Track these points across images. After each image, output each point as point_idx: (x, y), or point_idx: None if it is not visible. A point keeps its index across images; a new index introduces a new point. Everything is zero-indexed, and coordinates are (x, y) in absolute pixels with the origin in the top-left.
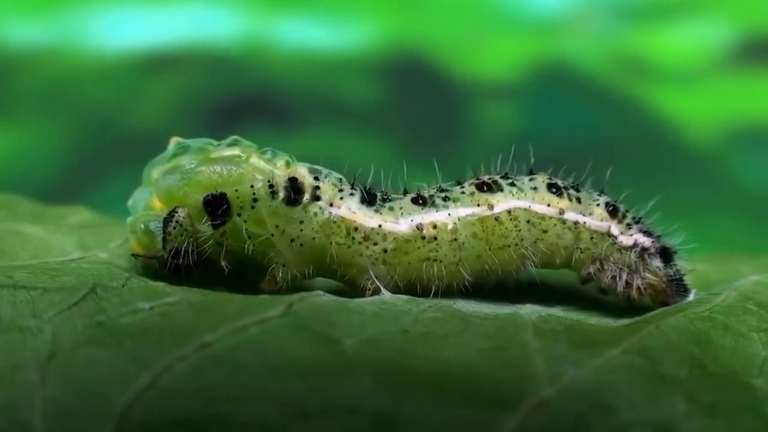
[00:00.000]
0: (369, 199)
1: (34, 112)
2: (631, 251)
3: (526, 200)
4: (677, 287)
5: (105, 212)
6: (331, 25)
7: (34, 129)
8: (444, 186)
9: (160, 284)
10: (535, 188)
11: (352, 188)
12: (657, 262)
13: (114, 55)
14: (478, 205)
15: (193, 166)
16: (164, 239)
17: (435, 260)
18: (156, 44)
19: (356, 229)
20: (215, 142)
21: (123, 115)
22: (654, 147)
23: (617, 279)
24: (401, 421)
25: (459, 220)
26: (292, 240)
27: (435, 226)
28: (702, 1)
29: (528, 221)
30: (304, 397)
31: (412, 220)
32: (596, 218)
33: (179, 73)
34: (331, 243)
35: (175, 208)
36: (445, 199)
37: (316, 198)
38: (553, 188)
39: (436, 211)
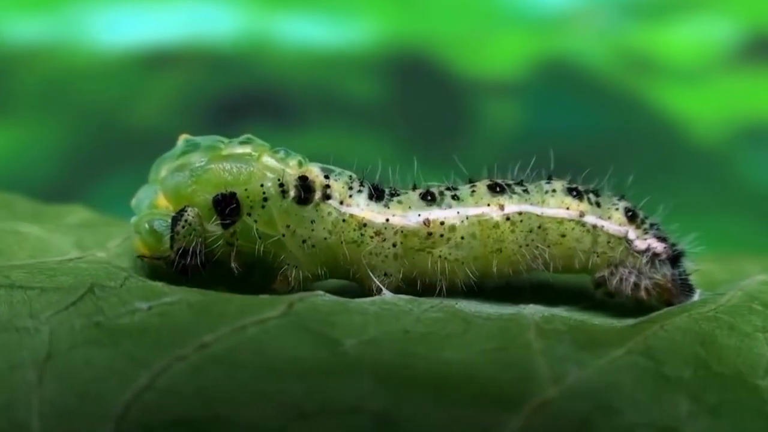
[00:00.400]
0: (377, 195)
1: (33, 110)
2: (642, 255)
3: (539, 205)
4: (682, 287)
5: (105, 211)
6: (332, 22)
7: (33, 127)
8: (455, 185)
9: (159, 284)
10: (553, 191)
11: (361, 185)
12: (666, 268)
13: (114, 52)
14: (488, 206)
15: (202, 163)
16: (172, 238)
17: (440, 257)
18: (156, 41)
19: (365, 225)
20: (226, 140)
21: (123, 114)
22: (658, 145)
23: (625, 281)
24: (402, 422)
25: (467, 218)
26: (304, 241)
27: (443, 223)
28: None
29: (539, 226)
30: (304, 397)
31: (419, 215)
32: (615, 223)
33: (179, 71)
34: (342, 242)
35: (185, 207)
36: (454, 197)
37: (326, 197)
38: (573, 192)
39: (445, 208)
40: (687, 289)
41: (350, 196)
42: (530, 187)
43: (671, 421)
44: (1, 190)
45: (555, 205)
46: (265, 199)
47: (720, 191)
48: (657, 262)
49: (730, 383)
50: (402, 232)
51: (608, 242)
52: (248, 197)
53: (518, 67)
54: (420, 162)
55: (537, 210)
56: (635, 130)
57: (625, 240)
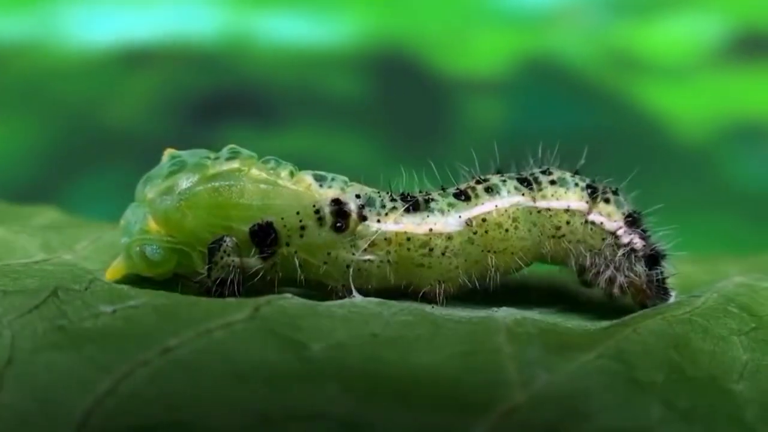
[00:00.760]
0: (413, 206)
1: (8, 109)
2: (621, 249)
3: (565, 199)
4: (658, 289)
5: (79, 211)
6: (313, 20)
7: (8, 126)
8: (484, 177)
9: (124, 287)
10: (576, 185)
11: (392, 199)
12: (641, 266)
13: (90, 50)
14: (523, 195)
15: (190, 185)
16: (210, 268)
17: (489, 251)
18: (134, 40)
19: (409, 239)
20: (213, 155)
21: (100, 113)
22: (644, 144)
23: (601, 274)
24: (368, 428)
25: (506, 210)
26: (348, 266)
27: (484, 219)
28: None
29: (568, 222)
30: (269, 403)
31: (460, 217)
32: (612, 220)
33: (158, 70)
34: (389, 261)
35: (223, 236)
36: (487, 190)
37: (363, 218)
38: (589, 189)
39: (482, 203)
40: (662, 291)
41: (386, 213)
42: (558, 180)
43: (642, 426)
44: None
45: (576, 198)
46: (303, 228)
47: (706, 190)
48: (633, 257)
49: (703, 388)
50: (447, 237)
51: (603, 239)
52: (285, 226)
53: (502, 66)
54: (404, 162)
55: (563, 205)
56: (621, 129)
57: (613, 235)
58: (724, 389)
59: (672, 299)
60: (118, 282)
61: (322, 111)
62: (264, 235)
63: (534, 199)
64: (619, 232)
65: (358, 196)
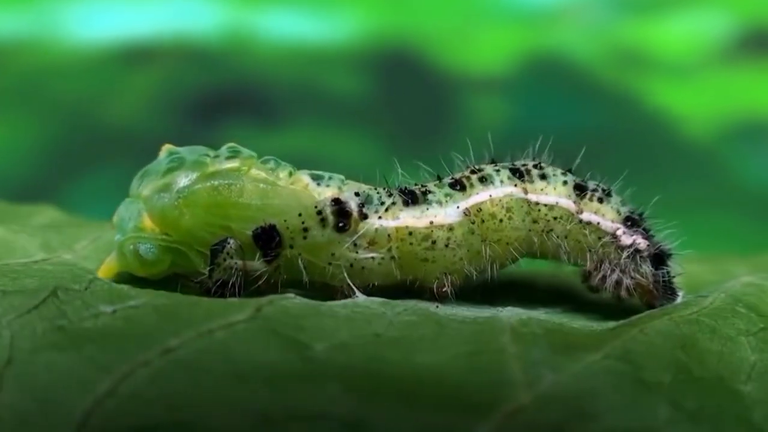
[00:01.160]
0: (411, 199)
1: (6, 107)
2: (625, 251)
3: (554, 195)
4: (665, 289)
5: (79, 211)
6: (315, 17)
7: (6, 125)
8: (479, 167)
9: (124, 287)
10: (564, 183)
11: (389, 194)
12: (647, 266)
13: (89, 47)
14: (515, 186)
15: (189, 183)
16: (212, 270)
17: (485, 240)
18: (134, 36)
19: (411, 234)
20: (212, 152)
21: (99, 111)
22: (650, 142)
23: (608, 278)
24: (370, 429)
25: (500, 200)
26: (351, 265)
27: (479, 209)
28: None
29: (555, 218)
30: (270, 403)
31: (458, 207)
32: (608, 220)
33: (158, 67)
34: (393, 258)
35: (226, 238)
36: (481, 179)
37: (364, 216)
38: (577, 188)
39: (477, 193)
40: (669, 291)
41: (386, 209)
42: (547, 171)
43: (649, 427)
44: None
45: (564, 195)
46: (306, 230)
47: (712, 189)
48: (638, 258)
49: (711, 388)
50: (449, 228)
51: (599, 238)
52: (288, 228)
53: (506, 63)
54: (405, 159)
55: (551, 200)
56: (626, 127)
57: (612, 236)
58: (732, 390)
59: (679, 299)
60: (118, 282)
61: (323, 109)
62: (268, 238)
63: (525, 191)
64: (619, 233)
65: (357, 194)
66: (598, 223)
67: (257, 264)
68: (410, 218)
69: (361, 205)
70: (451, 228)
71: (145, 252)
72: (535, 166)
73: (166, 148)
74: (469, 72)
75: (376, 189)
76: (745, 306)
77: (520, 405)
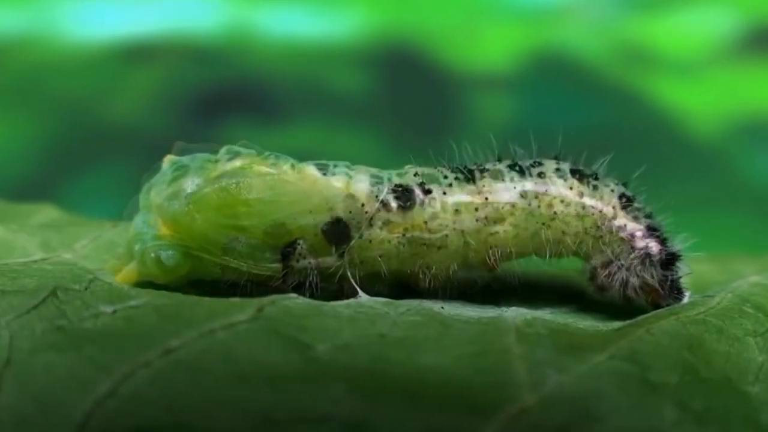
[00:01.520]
0: (471, 177)
1: (6, 105)
2: (635, 251)
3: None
4: (671, 289)
5: (79, 209)
6: (318, 13)
7: (6, 123)
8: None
9: (125, 287)
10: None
11: (451, 171)
12: (656, 269)
13: (89, 45)
14: (571, 189)
15: (196, 188)
16: (286, 273)
17: (544, 225)
18: (134, 34)
19: (476, 209)
20: (213, 157)
21: (99, 109)
22: (655, 140)
23: (614, 277)
24: (374, 430)
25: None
26: (425, 245)
27: (537, 197)
28: None
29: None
30: (273, 404)
31: (515, 188)
32: (632, 222)
33: (158, 65)
34: (463, 232)
35: (296, 239)
36: (540, 174)
37: (427, 192)
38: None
39: (534, 184)
40: (676, 291)
41: (449, 185)
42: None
43: (655, 428)
44: None
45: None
46: (371, 218)
47: (718, 188)
48: (648, 261)
49: (718, 389)
50: (511, 207)
51: (621, 239)
52: (354, 219)
53: (511, 60)
54: (410, 158)
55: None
56: (631, 125)
57: (631, 235)
58: (739, 391)
59: (686, 299)
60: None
61: (326, 107)
62: (338, 232)
63: (581, 195)
64: (637, 234)
65: (416, 174)
66: (625, 225)
67: (331, 259)
68: (475, 195)
69: (422, 184)
70: (513, 206)
71: (167, 259)
72: (590, 174)
73: (168, 159)
74: (473, 69)
75: (436, 168)
76: (752, 306)
77: (525, 406)
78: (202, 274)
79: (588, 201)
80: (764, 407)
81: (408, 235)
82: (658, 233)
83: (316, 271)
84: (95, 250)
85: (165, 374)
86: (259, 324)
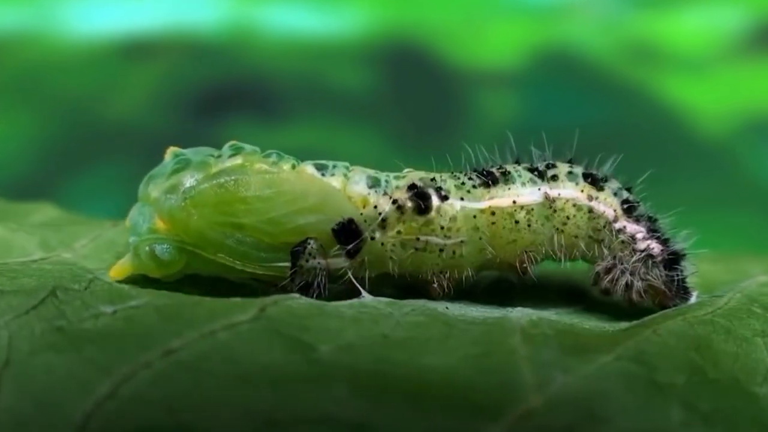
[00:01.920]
0: (491, 180)
1: (5, 102)
2: (637, 254)
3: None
4: (678, 289)
5: (78, 208)
6: (320, 10)
7: (5, 121)
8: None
9: (125, 287)
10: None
11: (468, 176)
12: (658, 270)
13: (90, 42)
14: (582, 192)
15: (194, 183)
16: (294, 272)
17: (558, 229)
18: (134, 31)
19: (494, 213)
20: (216, 152)
21: (99, 106)
22: (662, 138)
23: (617, 281)
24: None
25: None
26: (441, 250)
27: (554, 201)
28: None
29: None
30: (275, 405)
31: (539, 189)
32: (634, 225)
33: (159, 62)
34: (480, 238)
35: (306, 239)
36: (553, 178)
37: (444, 198)
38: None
39: (550, 187)
40: (683, 291)
41: (467, 190)
42: (611, 184)
43: (662, 429)
44: None
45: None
46: (384, 219)
47: (725, 186)
48: (650, 263)
49: (726, 390)
50: (530, 209)
51: (623, 242)
52: (365, 221)
53: (516, 57)
54: (414, 156)
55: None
56: (638, 123)
57: (632, 237)
58: (748, 392)
59: (693, 299)
60: (119, 282)
61: (328, 104)
62: (349, 232)
63: (590, 198)
64: (638, 236)
65: (433, 180)
66: (625, 227)
67: (341, 260)
68: (495, 199)
69: (439, 189)
70: (531, 209)
71: (162, 252)
72: (602, 178)
73: (171, 150)
74: (478, 66)
75: (453, 173)
76: (760, 306)
77: (531, 407)
78: (198, 270)
79: (594, 204)
80: None
81: (423, 239)
82: (659, 234)
83: (324, 272)
84: (95, 250)
85: (166, 375)
86: (261, 324)
